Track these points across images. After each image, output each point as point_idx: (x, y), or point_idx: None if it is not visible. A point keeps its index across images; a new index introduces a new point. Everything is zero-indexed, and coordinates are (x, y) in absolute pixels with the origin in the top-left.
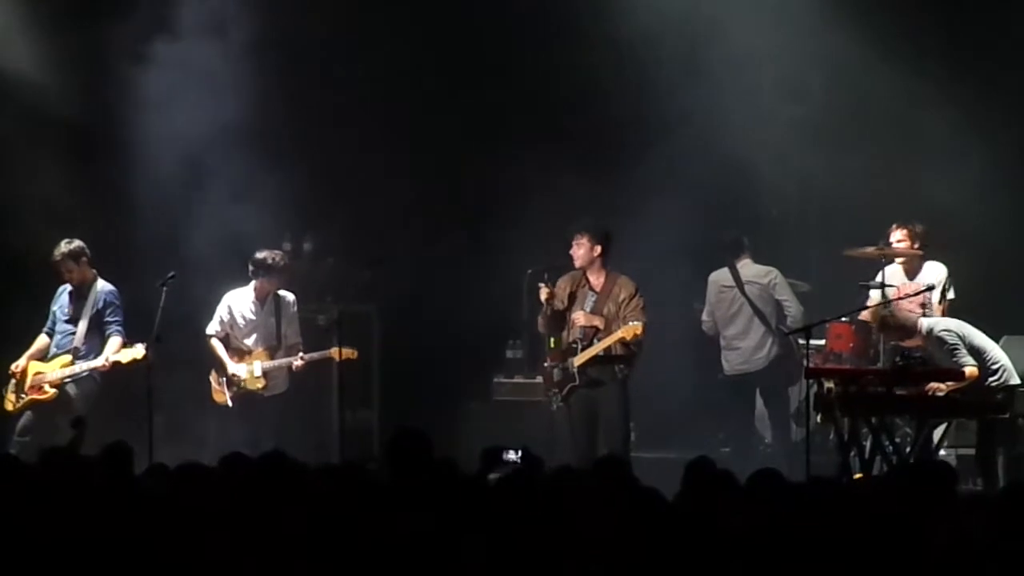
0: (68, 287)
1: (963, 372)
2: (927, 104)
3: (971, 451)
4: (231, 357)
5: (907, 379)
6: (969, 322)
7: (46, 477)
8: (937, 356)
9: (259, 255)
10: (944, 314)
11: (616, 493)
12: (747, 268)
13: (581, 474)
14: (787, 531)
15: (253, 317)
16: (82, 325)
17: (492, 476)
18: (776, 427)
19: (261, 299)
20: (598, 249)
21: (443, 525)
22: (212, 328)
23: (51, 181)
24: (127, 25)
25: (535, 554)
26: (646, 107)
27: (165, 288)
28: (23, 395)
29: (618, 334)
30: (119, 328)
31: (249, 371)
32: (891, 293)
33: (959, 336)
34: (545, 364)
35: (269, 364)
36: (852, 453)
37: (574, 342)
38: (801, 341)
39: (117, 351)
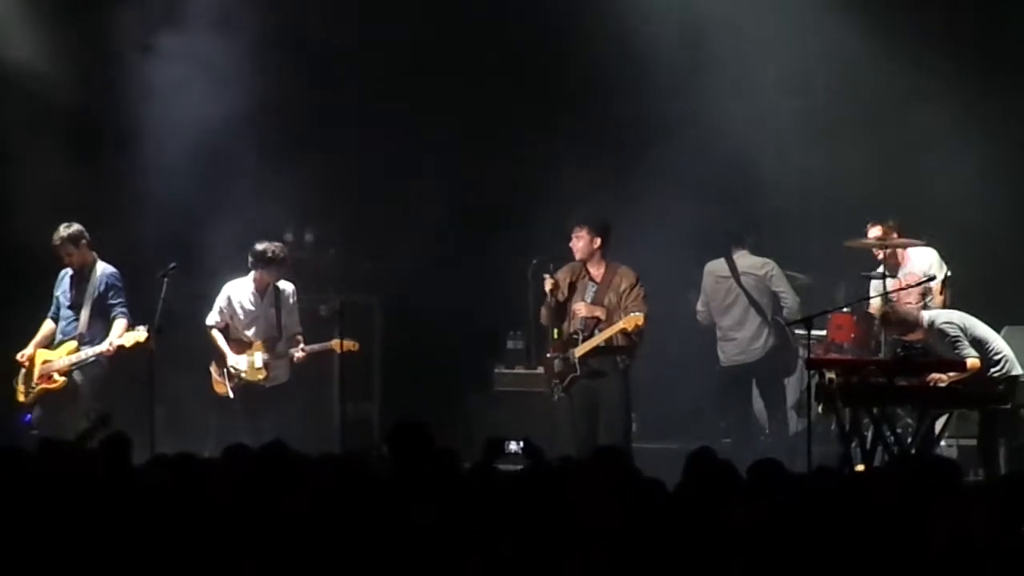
0: (69, 271)
1: (965, 363)
2: (928, 97)
3: (973, 442)
4: (231, 348)
5: (909, 370)
6: (970, 313)
7: (45, 468)
8: (939, 349)
9: (259, 247)
10: (945, 298)
11: (617, 483)
12: (743, 259)
13: (582, 465)
14: (788, 522)
15: (252, 308)
16: (85, 310)
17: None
18: (772, 418)
19: (261, 290)
20: (598, 241)
21: (445, 517)
22: (212, 319)
23: (57, 172)
24: (132, 14)
25: (536, 545)
26: (648, 101)
27: (166, 279)
28: (33, 385)
29: (619, 325)
30: (123, 310)
31: (250, 362)
32: (892, 284)
33: (961, 328)
34: (548, 355)
35: (270, 356)
36: (853, 444)
37: (575, 333)
38: (801, 332)
39: (121, 335)
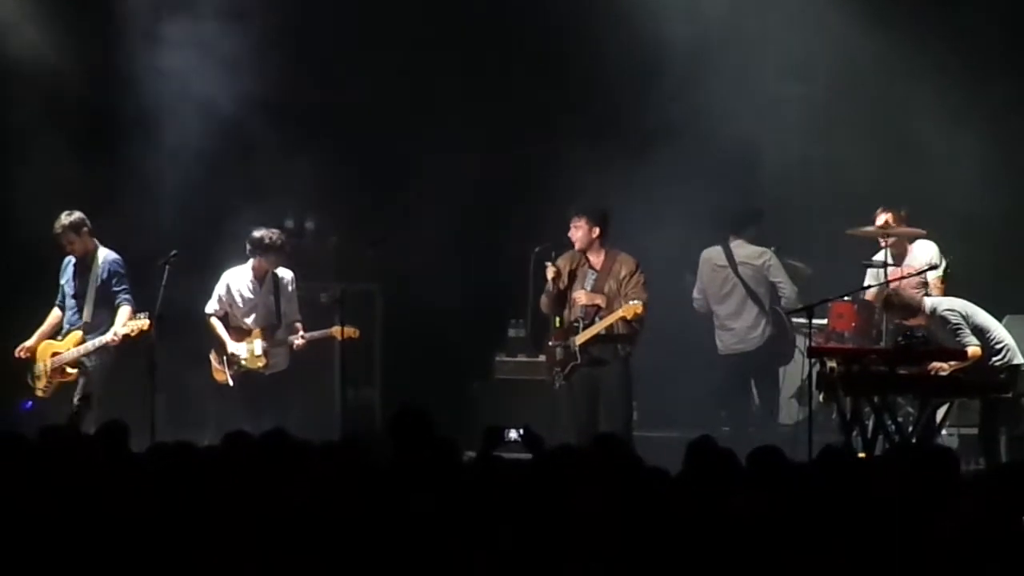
0: (72, 259)
1: (966, 352)
2: (930, 85)
3: (974, 431)
4: (231, 336)
5: (910, 359)
6: (972, 302)
7: (45, 455)
8: (940, 336)
9: (256, 233)
10: (944, 291)
11: (617, 472)
12: (741, 248)
13: (582, 453)
14: (789, 510)
15: (251, 296)
16: (89, 299)
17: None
18: (764, 406)
19: (260, 277)
20: (596, 230)
21: (445, 506)
22: (211, 307)
23: (66, 163)
24: (140, 3)
25: (537, 535)
26: (650, 90)
27: (168, 266)
28: (50, 380)
29: (619, 313)
30: (127, 297)
31: (249, 350)
32: (892, 273)
33: (963, 316)
34: (549, 343)
35: (269, 343)
36: (855, 433)
37: (575, 321)
38: (799, 320)
39: (126, 322)
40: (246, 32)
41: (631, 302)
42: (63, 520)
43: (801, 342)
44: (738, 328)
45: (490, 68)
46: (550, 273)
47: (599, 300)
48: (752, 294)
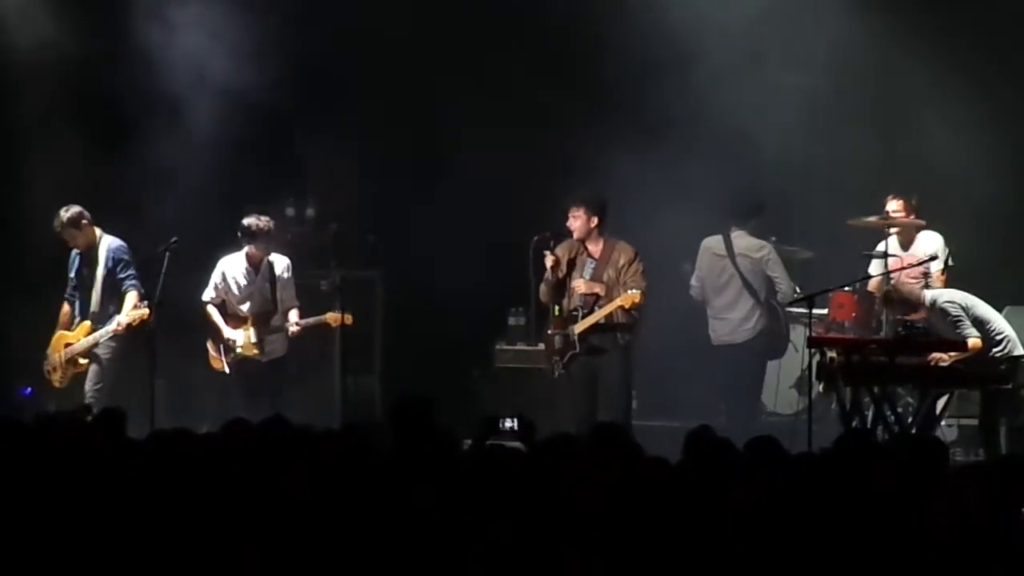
0: (79, 253)
1: (966, 343)
2: (931, 75)
3: (974, 422)
4: (228, 324)
5: (910, 349)
6: (973, 293)
7: (42, 441)
8: (941, 328)
9: (244, 221)
10: (945, 283)
11: (617, 461)
12: (741, 239)
13: (580, 442)
14: (788, 500)
15: (246, 283)
16: (96, 288)
17: (505, 426)
18: (749, 399)
19: (255, 265)
20: (595, 220)
21: (444, 498)
22: (207, 294)
23: (75, 156)
24: None
25: (536, 526)
26: (652, 82)
27: (168, 253)
28: (64, 371)
29: (617, 302)
30: (134, 282)
31: (246, 337)
32: (892, 263)
33: (963, 307)
34: (548, 332)
35: (264, 330)
36: (854, 423)
37: (575, 310)
38: (799, 310)
39: (129, 311)
40: (249, 19)
41: (630, 291)
42: (59, 507)
43: (800, 333)
44: (731, 319)
45: (491, 61)
46: (549, 262)
47: (598, 288)
48: (748, 286)
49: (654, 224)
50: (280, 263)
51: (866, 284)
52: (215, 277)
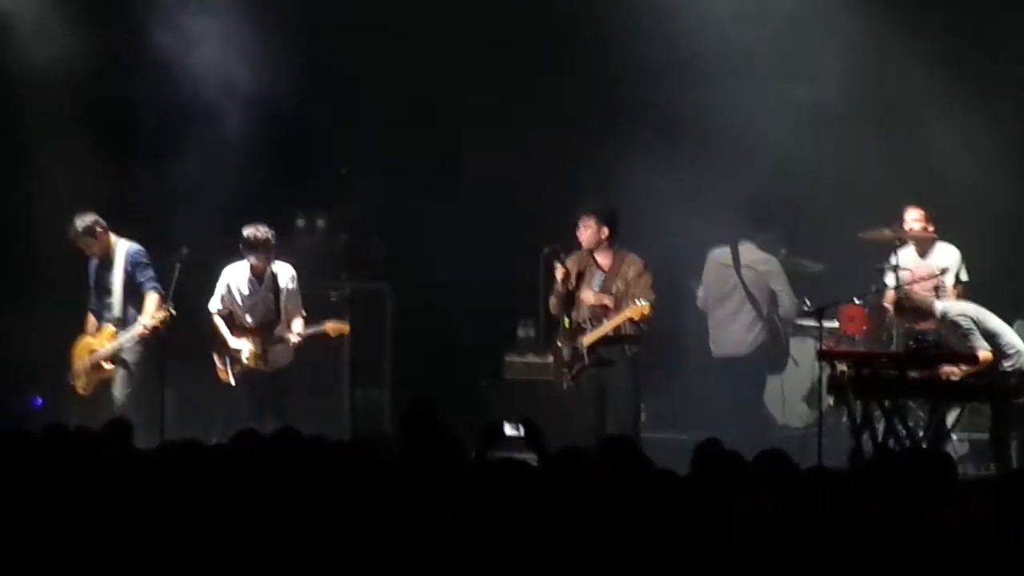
0: (96, 262)
1: (977, 356)
2: (943, 85)
3: (985, 435)
4: (235, 334)
5: (921, 362)
6: (984, 305)
7: (48, 451)
8: (951, 340)
9: (244, 232)
10: (958, 297)
11: (623, 474)
12: (748, 252)
13: (589, 455)
14: (793, 513)
15: (250, 293)
16: (116, 293)
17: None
18: (749, 412)
19: (258, 275)
20: (605, 231)
21: (453, 506)
22: (214, 305)
23: (85, 166)
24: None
25: (544, 537)
26: (659, 93)
27: (179, 264)
28: (89, 378)
29: (626, 313)
30: (154, 284)
31: (250, 348)
32: (904, 276)
33: (974, 320)
34: (558, 344)
35: (267, 341)
36: (865, 436)
37: (583, 322)
38: (809, 323)
39: (153, 313)
40: (261, 29)
41: (638, 303)
42: (68, 518)
43: (795, 346)
44: (733, 331)
45: (503, 69)
46: (559, 274)
47: (607, 301)
48: (751, 298)
49: (664, 233)
50: (285, 273)
51: (876, 297)
52: (220, 288)
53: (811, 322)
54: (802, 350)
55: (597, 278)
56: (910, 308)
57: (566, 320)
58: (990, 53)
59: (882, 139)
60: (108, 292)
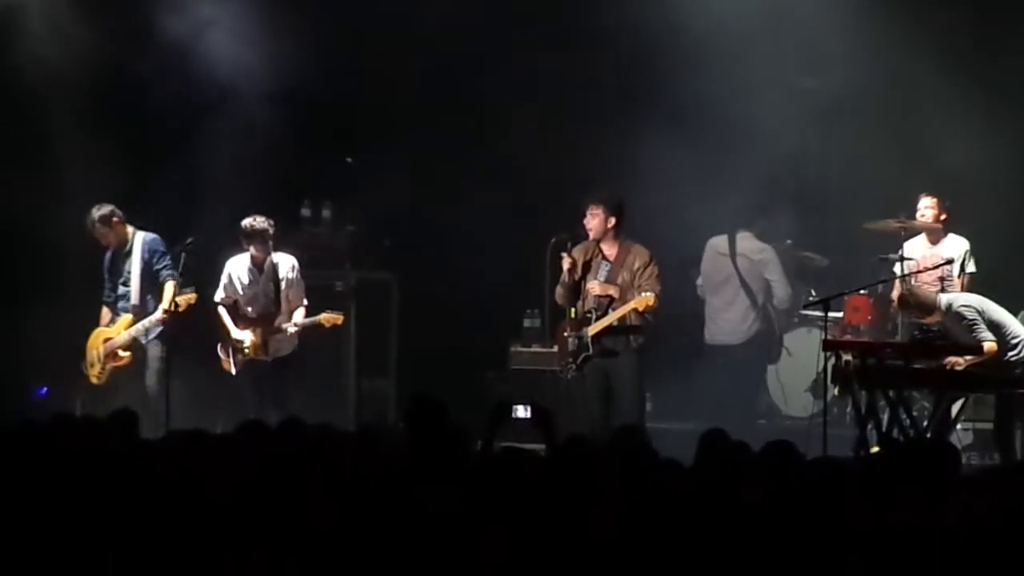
0: (111, 252)
1: (982, 346)
2: (949, 77)
3: (989, 426)
4: (239, 325)
5: (925, 353)
6: (991, 296)
7: (55, 441)
8: (956, 331)
9: (242, 222)
10: (964, 287)
11: (631, 464)
12: (745, 241)
13: (596, 444)
14: (800, 503)
15: (250, 283)
16: (134, 282)
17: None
18: (743, 401)
19: (258, 265)
20: (612, 220)
21: (461, 498)
22: (218, 295)
23: (100, 160)
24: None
25: (551, 527)
26: (665, 83)
27: (184, 254)
28: (104, 366)
29: (631, 304)
30: (170, 272)
31: (252, 338)
32: (910, 267)
33: (978, 311)
34: (564, 334)
35: (267, 331)
36: (869, 426)
37: (588, 312)
38: (814, 313)
39: (172, 297)
40: (276, 21)
41: (644, 293)
42: (73, 507)
43: (800, 336)
44: (728, 319)
45: (508, 60)
46: (566, 264)
47: (612, 291)
48: (746, 287)
49: (666, 226)
50: (285, 263)
51: (879, 288)
52: (223, 278)
53: (816, 312)
54: (807, 340)
55: (603, 268)
56: (914, 304)
57: (572, 310)
58: (999, 45)
59: (889, 130)
60: (125, 282)
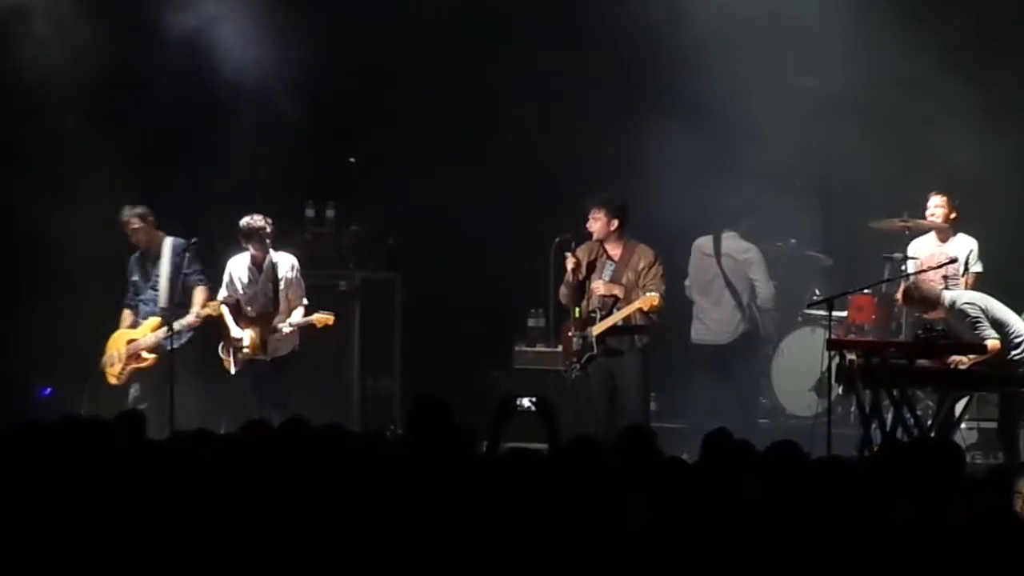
0: (138, 254)
1: (985, 345)
2: (952, 75)
3: (993, 424)
4: (240, 324)
5: (929, 352)
6: (995, 295)
7: (63, 441)
8: (959, 329)
9: (240, 222)
10: (969, 287)
11: (639, 464)
12: (730, 241)
13: (601, 444)
14: (804, 503)
15: (250, 283)
16: (163, 285)
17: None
18: (734, 402)
19: (257, 264)
20: (615, 223)
21: (464, 497)
22: (220, 294)
23: (116, 165)
24: None
25: (556, 528)
26: (666, 75)
27: (187, 254)
28: (125, 366)
29: (636, 304)
30: (200, 277)
31: (252, 337)
32: (913, 266)
33: (982, 309)
34: (568, 333)
35: (265, 330)
36: (873, 425)
37: (593, 311)
38: (818, 312)
39: (204, 303)
40: (272, 16)
41: (648, 293)
42: (79, 507)
43: (804, 336)
44: (713, 320)
45: (514, 59)
46: (570, 264)
47: (617, 291)
48: (731, 287)
49: (673, 224)
50: (285, 263)
51: (883, 287)
52: (224, 277)
53: (820, 311)
54: (811, 339)
55: (607, 268)
56: (918, 298)
57: (576, 310)
58: (1001, 43)
59: (891, 129)
60: (154, 286)
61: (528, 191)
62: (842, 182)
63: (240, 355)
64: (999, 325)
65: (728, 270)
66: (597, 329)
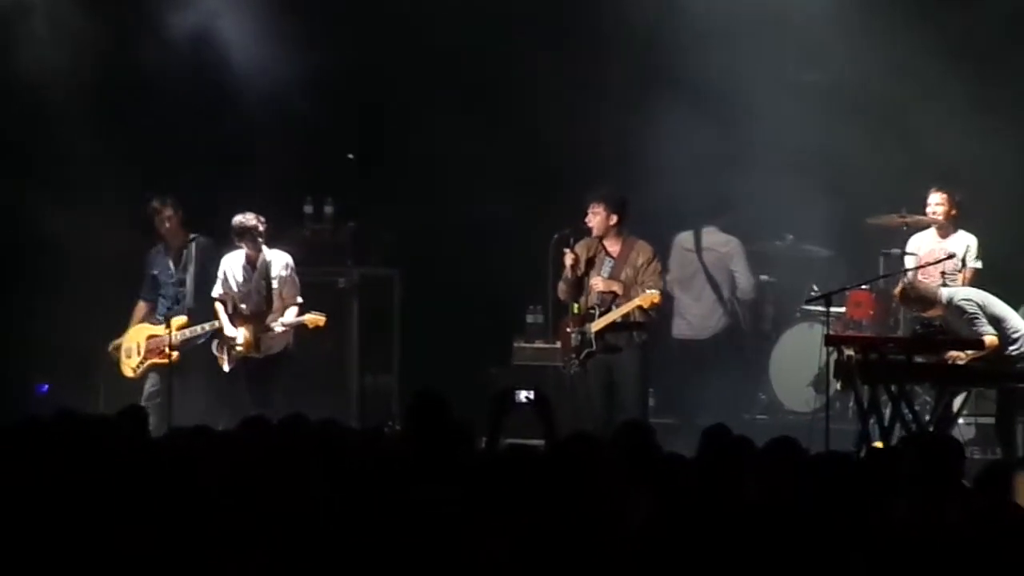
0: (161, 249)
1: (983, 341)
2: (953, 70)
3: (990, 420)
4: (233, 321)
5: (927, 347)
6: (994, 291)
7: (62, 437)
8: (957, 325)
9: (232, 220)
10: (967, 283)
11: (638, 459)
12: (711, 235)
13: (600, 440)
14: (802, 499)
15: (244, 281)
16: (189, 284)
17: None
18: (720, 397)
19: (251, 262)
20: (614, 218)
21: (463, 495)
22: (216, 291)
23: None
24: None
25: (556, 524)
26: (667, 70)
27: (185, 251)
28: (143, 360)
29: (635, 301)
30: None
31: (245, 335)
32: (912, 262)
33: (979, 305)
34: (567, 330)
35: (257, 328)
36: (872, 421)
37: (592, 308)
38: (817, 308)
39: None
40: (283, 14)
41: (648, 290)
42: (78, 503)
43: (802, 332)
44: (694, 314)
45: (513, 57)
46: (568, 260)
47: (616, 287)
48: (712, 281)
49: (670, 220)
50: (279, 261)
51: (881, 282)
52: (219, 274)
53: (818, 307)
54: (809, 335)
55: (606, 264)
56: (915, 298)
57: (575, 306)
58: (1002, 41)
59: (892, 124)
60: (180, 282)
61: (527, 188)
62: (841, 178)
63: (234, 353)
64: (996, 321)
65: (709, 264)
66: (596, 325)
